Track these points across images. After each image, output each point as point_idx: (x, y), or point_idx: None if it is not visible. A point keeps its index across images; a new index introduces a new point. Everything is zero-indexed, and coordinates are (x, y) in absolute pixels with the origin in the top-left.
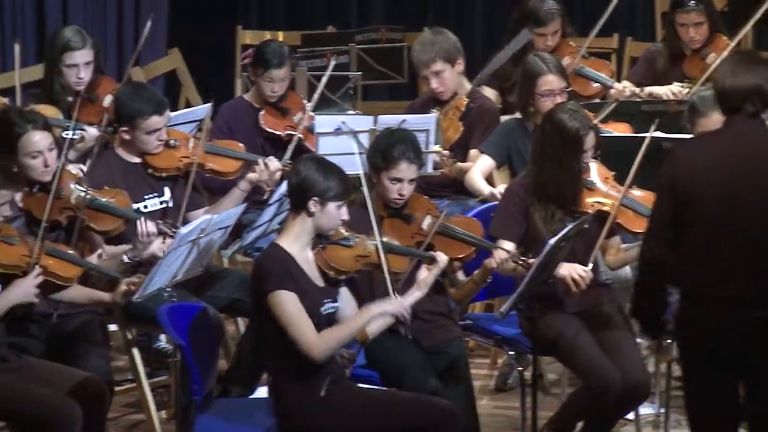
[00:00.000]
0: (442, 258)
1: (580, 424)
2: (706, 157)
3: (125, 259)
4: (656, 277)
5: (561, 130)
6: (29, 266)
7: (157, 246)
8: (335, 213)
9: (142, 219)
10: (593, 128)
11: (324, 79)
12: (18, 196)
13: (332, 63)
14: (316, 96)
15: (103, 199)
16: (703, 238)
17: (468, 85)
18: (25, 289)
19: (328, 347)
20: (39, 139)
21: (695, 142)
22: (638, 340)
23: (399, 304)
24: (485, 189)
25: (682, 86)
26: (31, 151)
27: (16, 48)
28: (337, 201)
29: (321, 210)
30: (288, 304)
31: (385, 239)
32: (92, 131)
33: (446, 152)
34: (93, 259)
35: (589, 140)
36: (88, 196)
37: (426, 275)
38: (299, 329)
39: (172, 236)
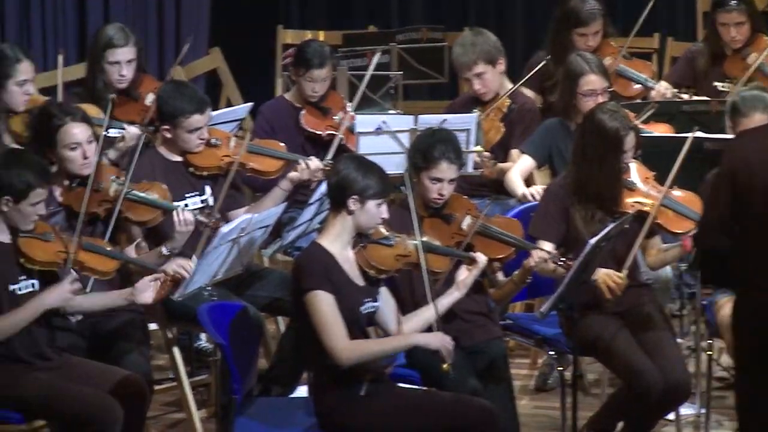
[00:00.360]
0: (481, 258)
1: (620, 425)
2: (766, 151)
3: (164, 251)
4: (718, 268)
5: (601, 130)
6: (66, 262)
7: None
8: (375, 211)
9: (179, 209)
10: (633, 128)
11: (366, 78)
12: (58, 191)
13: (376, 57)
14: (357, 96)
15: (141, 191)
16: (760, 232)
17: (509, 85)
18: (60, 295)
19: (357, 356)
20: (78, 131)
21: (755, 134)
22: (678, 340)
23: (443, 338)
24: (519, 189)
25: (723, 86)
26: (69, 143)
27: (60, 58)
28: (376, 199)
29: (361, 208)
30: (323, 304)
31: (425, 239)
32: (133, 130)
33: (487, 154)
34: (131, 251)
35: (630, 140)
36: (126, 189)
37: (465, 276)
38: (330, 331)
39: (210, 226)
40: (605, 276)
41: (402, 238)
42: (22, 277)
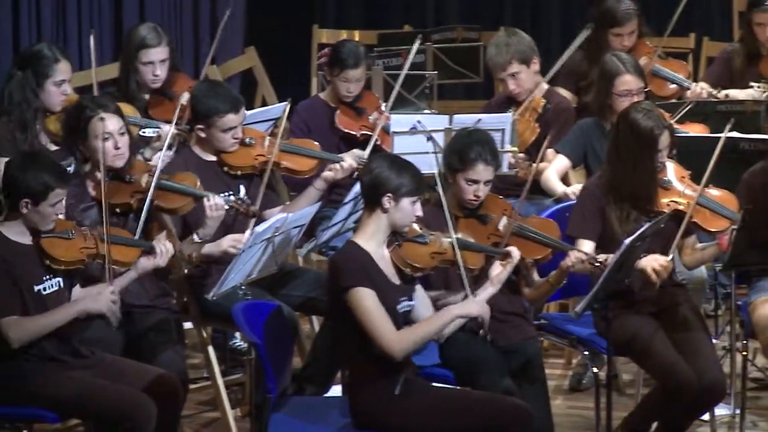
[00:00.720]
0: (515, 253)
1: (654, 425)
2: None
3: (196, 238)
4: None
5: (635, 129)
6: (91, 258)
7: (228, 242)
8: (409, 209)
9: (210, 194)
10: (668, 127)
11: (401, 78)
12: (90, 186)
13: (414, 50)
14: (392, 96)
15: (172, 181)
16: None
17: (545, 85)
18: (100, 304)
19: (407, 346)
20: (110, 122)
21: None
22: (713, 340)
23: (481, 305)
24: (559, 189)
25: (759, 87)
26: (101, 134)
27: (92, 40)
28: (410, 197)
29: (395, 206)
30: (367, 300)
31: (459, 236)
32: (168, 129)
33: (521, 155)
34: (162, 239)
35: (664, 139)
36: (156, 178)
37: (499, 271)
38: (378, 326)
39: (242, 212)
40: (650, 260)
41: (436, 235)
42: (47, 277)
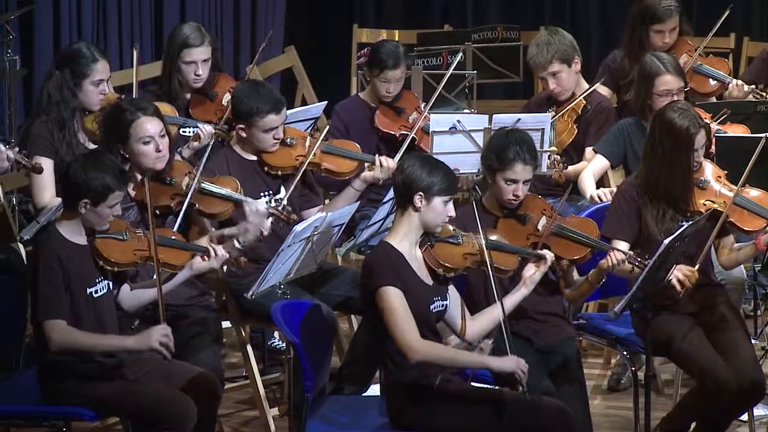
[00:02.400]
0: (548, 255)
1: (693, 425)
2: None
3: (236, 243)
4: None
5: (671, 128)
6: (143, 260)
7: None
8: (441, 208)
9: (251, 200)
10: (704, 126)
11: (444, 80)
12: (131, 187)
13: (458, 58)
14: (433, 98)
15: (213, 185)
16: None
17: (585, 84)
18: (150, 342)
19: (427, 356)
20: (150, 125)
21: None
22: (753, 341)
23: (518, 362)
24: (589, 191)
25: None
26: (142, 137)
27: (134, 54)
28: (442, 196)
29: (427, 205)
30: (394, 299)
31: (493, 237)
32: (207, 128)
33: (558, 156)
34: (203, 243)
35: (700, 138)
36: (197, 182)
37: (532, 273)
38: (401, 327)
39: (284, 219)
40: (675, 270)
41: (470, 236)
42: (99, 279)
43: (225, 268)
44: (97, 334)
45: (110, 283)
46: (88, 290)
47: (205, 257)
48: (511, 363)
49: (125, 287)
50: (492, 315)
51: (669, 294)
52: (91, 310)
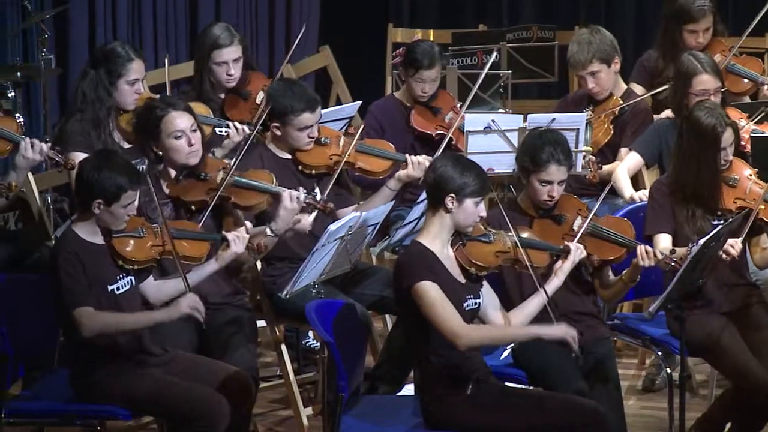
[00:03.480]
0: (575, 249)
1: (728, 426)
2: None
3: (268, 231)
4: None
5: (698, 127)
6: (162, 255)
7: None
8: (473, 209)
9: (287, 190)
10: (731, 125)
11: (479, 80)
12: (165, 184)
13: (493, 57)
14: (469, 98)
15: (248, 177)
16: None
17: (623, 85)
18: (180, 309)
19: (477, 339)
20: (180, 120)
21: None
22: None
23: (566, 328)
24: (627, 191)
25: None
26: (173, 131)
27: (166, 60)
28: (474, 197)
29: (458, 206)
30: (431, 292)
31: (524, 235)
32: (238, 126)
33: (592, 157)
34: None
35: (727, 137)
36: (231, 176)
37: (562, 264)
38: (445, 316)
39: (321, 209)
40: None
41: (500, 234)
42: (120, 276)
43: (260, 267)
44: (124, 314)
45: (133, 279)
46: (109, 288)
47: (227, 246)
48: (560, 330)
49: (149, 280)
50: (529, 310)
51: (704, 293)
52: (113, 306)
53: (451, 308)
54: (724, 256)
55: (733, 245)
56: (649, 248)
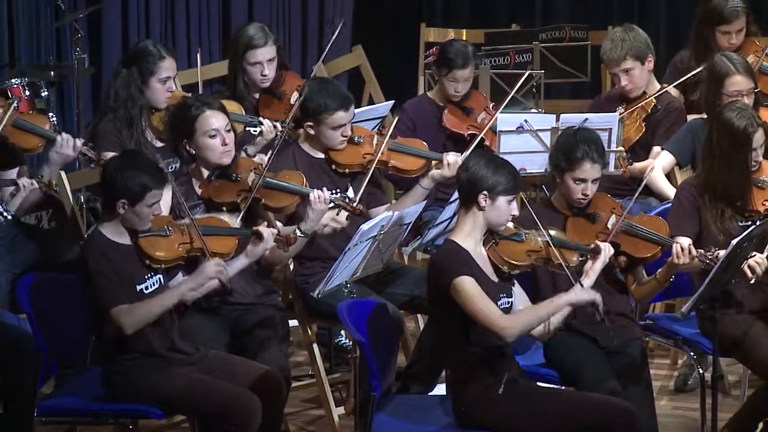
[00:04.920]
0: (604, 248)
1: (760, 426)
2: None
3: (298, 232)
4: None
5: (729, 128)
6: (189, 253)
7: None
8: (505, 208)
9: (315, 190)
10: (762, 125)
11: (517, 86)
12: (197, 184)
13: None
14: (505, 101)
15: (279, 179)
16: None
17: (657, 83)
18: (207, 273)
19: (517, 328)
20: (215, 119)
21: None
22: None
23: (590, 292)
24: (669, 191)
25: None
26: (208, 130)
27: (198, 56)
28: (507, 195)
29: (491, 205)
30: (471, 287)
31: (553, 232)
32: (270, 124)
33: (623, 153)
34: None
35: (758, 138)
36: (263, 178)
37: (593, 263)
38: (486, 309)
39: (350, 210)
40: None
41: (532, 233)
42: (148, 275)
43: (292, 266)
44: (152, 299)
45: (162, 277)
46: (138, 287)
47: (257, 239)
48: (586, 294)
49: (178, 278)
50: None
51: (735, 294)
52: None
53: (489, 302)
54: (749, 273)
55: (759, 262)
56: (684, 245)
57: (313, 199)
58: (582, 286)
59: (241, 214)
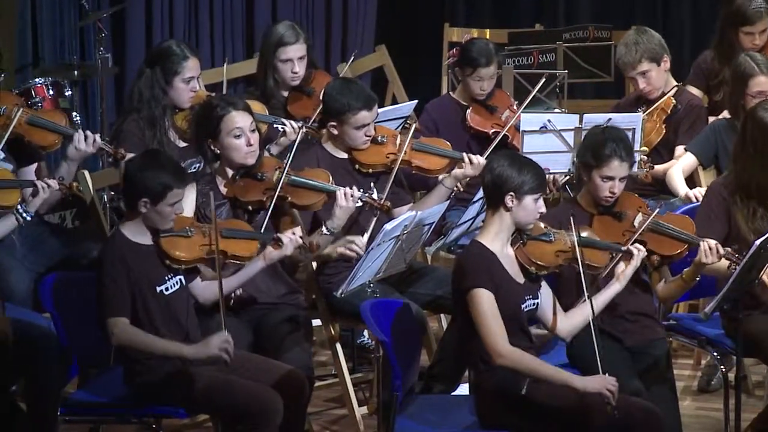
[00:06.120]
0: (637, 250)
1: None
2: None
3: (324, 230)
4: None
5: (762, 127)
6: (210, 254)
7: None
8: (532, 206)
9: (342, 188)
10: None
11: (539, 85)
12: (221, 184)
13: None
14: (528, 99)
15: (304, 177)
16: None
17: (673, 82)
18: (210, 349)
19: (512, 363)
20: (240, 119)
21: None
22: None
23: (604, 381)
24: (682, 189)
25: None
26: (233, 130)
27: (224, 68)
28: (533, 194)
29: (518, 204)
30: (484, 303)
31: (584, 234)
32: (294, 124)
33: (644, 156)
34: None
35: None
36: (287, 175)
37: (624, 268)
38: (490, 330)
39: (378, 207)
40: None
41: (561, 233)
42: (168, 276)
43: (315, 265)
44: (157, 337)
45: (182, 279)
46: (158, 288)
47: (277, 245)
48: (598, 382)
49: (197, 280)
50: (584, 311)
51: (759, 294)
52: (163, 307)
53: (499, 324)
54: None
55: None
56: (712, 244)
57: (340, 197)
58: (592, 306)
59: (268, 214)
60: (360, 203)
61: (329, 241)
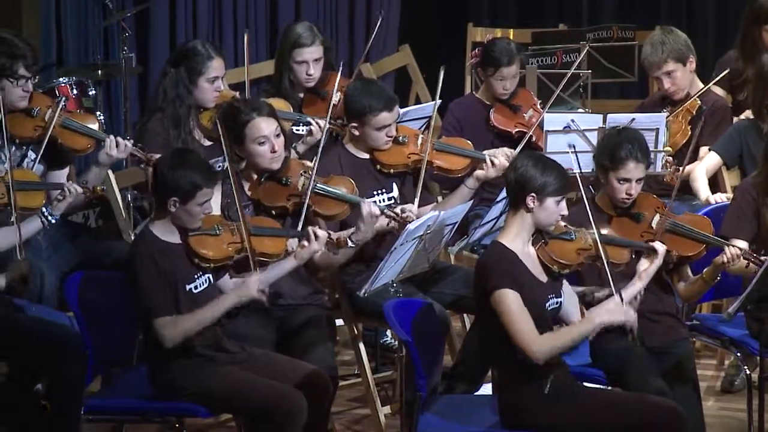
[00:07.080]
0: (660, 248)
1: None
2: None
3: (350, 243)
4: None
5: None
6: (238, 252)
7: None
8: (554, 208)
9: (367, 201)
10: None
11: (564, 80)
12: (246, 186)
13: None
14: (552, 98)
15: (329, 186)
16: None
17: (700, 84)
18: (248, 291)
19: (550, 349)
20: (265, 125)
21: None
22: None
23: (626, 311)
24: (703, 193)
25: None
26: (257, 137)
27: (245, 39)
28: (555, 196)
29: (539, 206)
30: (511, 302)
31: (605, 231)
32: (321, 122)
33: (670, 158)
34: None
35: None
36: (313, 183)
37: (646, 266)
38: (520, 328)
39: (400, 222)
40: None
41: (582, 231)
42: (197, 275)
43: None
44: (197, 311)
45: (211, 277)
46: (187, 287)
47: (305, 242)
48: (619, 313)
49: (227, 277)
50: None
51: None
52: (192, 306)
53: (528, 320)
54: None
55: None
56: (738, 251)
57: (366, 212)
58: (622, 299)
59: (302, 220)
60: (385, 219)
61: (352, 252)
